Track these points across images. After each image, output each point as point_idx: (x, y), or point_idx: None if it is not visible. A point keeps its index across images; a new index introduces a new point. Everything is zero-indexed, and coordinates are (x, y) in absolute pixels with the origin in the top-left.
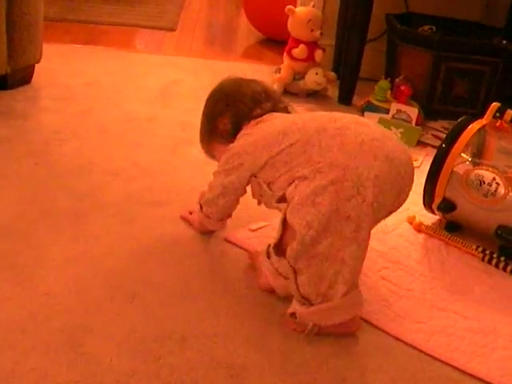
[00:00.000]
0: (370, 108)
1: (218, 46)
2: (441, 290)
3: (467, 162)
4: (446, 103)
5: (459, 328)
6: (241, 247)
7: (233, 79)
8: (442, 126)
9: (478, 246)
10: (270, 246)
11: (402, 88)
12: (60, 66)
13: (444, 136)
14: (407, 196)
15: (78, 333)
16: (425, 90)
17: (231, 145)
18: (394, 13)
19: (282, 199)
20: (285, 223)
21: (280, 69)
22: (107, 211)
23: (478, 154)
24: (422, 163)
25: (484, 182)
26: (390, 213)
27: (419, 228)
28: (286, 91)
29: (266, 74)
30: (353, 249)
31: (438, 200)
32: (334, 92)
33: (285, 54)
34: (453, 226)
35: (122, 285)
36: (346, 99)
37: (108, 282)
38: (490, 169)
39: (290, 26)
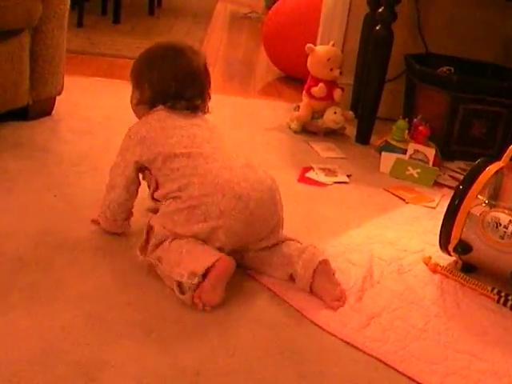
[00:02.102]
0: (387, 148)
1: (237, 82)
2: (456, 331)
3: (484, 204)
4: (463, 144)
5: (474, 370)
6: (259, 283)
7: (177, 49)
8: (458, 167)
9: (493, 288)
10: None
11: (420, 128)
12: (80, 98)
13: (461, 177)
14: (267, 226)
15: (94, 367)
16: (442, 130)
17: (130, 128)
18: (412, 53)
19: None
20: (150, 230)
21: (299, 107)
22: (126, 244)
23: (495, 196)
24: (439, 204)
25: (500, 224)
26: (252, 238)
27: (435, 269)
28: (304, 129)
29: (284, 111)
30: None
31: (454, 241)
32: (351, 131)
33: (304, 92)
34: (468, 267)
35: (139, 319)
36: (363, 139)
37: (124, 317)
38: (507, 211)
39: (309, 64)
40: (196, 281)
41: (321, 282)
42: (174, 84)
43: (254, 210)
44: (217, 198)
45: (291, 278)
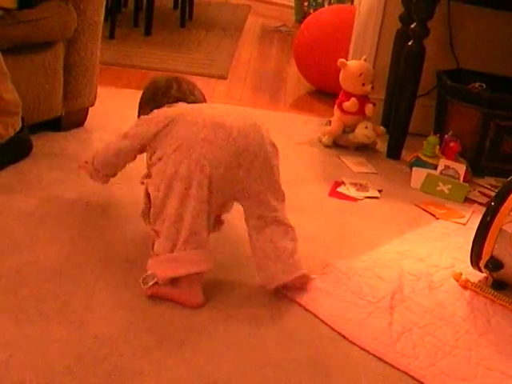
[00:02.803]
0: (418, 163)
1: (268, 95)
2: (486, 349)
3: None
4: (493, 160)
5: None
6: (290, 298)
7: (159, 79)
8: (489, 183)
9: None
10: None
11: (451, 144)
12: (113, 109)
13: (491, 193)
14: (254, 157)
15: (126, 377)
16: (473, 146)
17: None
18: (444, 69)
19: (149, 176)
20: (147, 195)
21: (330, 121)
22: None
23: None
24: (469, 220)
25: None
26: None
27: (465, 285)
28: (336, 144)
29: (315, 125)
30: (190, 205)
31: (485, 258)
32: (382, 146)
33: (335, 106)
34: (499, 284)
35: (171, 331)
36: (394, 154)
37: (157, 328)
38: None
39: (341, 79)
40: (152, 283)
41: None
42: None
43: (237, 138)
44: (197, 129)
45: (260, 268)
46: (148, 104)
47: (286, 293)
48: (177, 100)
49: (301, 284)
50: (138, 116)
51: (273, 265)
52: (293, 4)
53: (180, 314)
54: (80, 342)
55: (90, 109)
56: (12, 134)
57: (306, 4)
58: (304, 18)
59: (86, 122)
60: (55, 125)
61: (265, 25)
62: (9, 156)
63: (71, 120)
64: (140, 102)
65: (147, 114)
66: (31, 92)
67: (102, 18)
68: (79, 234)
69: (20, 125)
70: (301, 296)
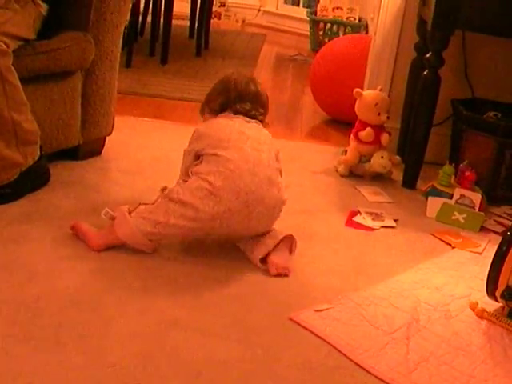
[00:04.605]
0: (433, 193)
1: (284, 124)
2: (503, 379)
3: None
4: (509, 189)
5: None
6: (305, 328)
7: (239, 77)
8: (504, 212)
9: None
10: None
11: (467, 174)
12: (130, 138)
13: (507, 222)
14: (255, 232)
15: None
16: (488, 175)
17: (197, 126)
18: (459, 98)
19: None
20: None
21: (346, 151)
22: (175, 286)
23: None
24: (485, 249)
25: None
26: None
27: (481, 314)
28: (352, 173)
29: (331, 154)
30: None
31: (501, 287)
32: (398, 175)
33: (351, 136)
34: None
35: (187, 361)
36: (410, 183)
37: (173, 358)
38: None
39: (357, 109)
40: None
41: (276, 254)
42: (233, 95)
43: (253, 220)
44: (231, 197)
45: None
46: (219, 97)
47: (301, 322)
48: (239, 113)
49: (290, 248)
50: (202, 110)
51: (261, 240)
52: (308, 33)
53: (196, 345)
54: (98, 370)
55: (107, 138)
56: (31, 163)
57: (321, 33)
58: (319, 46)
59: (103, 151)
60: (73, 153)
61: (280, 53)
62: (27, 185)
63: (89, 149)
64: (209, 94)
65: (214, 106)
66: (50, 121)
67: (120, 48)
68: (96, 264)
69: (38, 154)
70: (317, 325)
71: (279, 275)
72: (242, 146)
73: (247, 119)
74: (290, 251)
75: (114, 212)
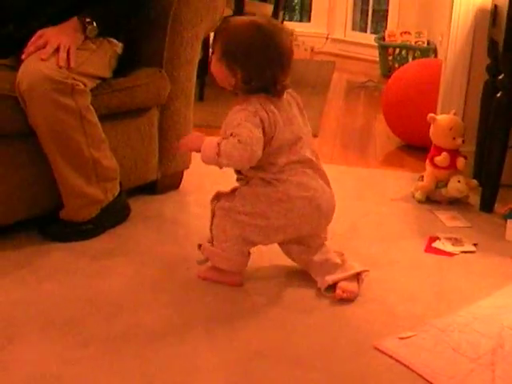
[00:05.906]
0: None
1: (359, 151)
2: None
3: None
4: None
5: None
6: (390, 356)
7: (269, 24)
8: None
9: None
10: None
11: None
12: (207, 171)
13: None
14: (320, 231)
15: None
16: None
17: (251, 107)
18: None
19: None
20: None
21: (422, 176)
22: (258, 317)
23: None
24: None
25: None
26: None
27: None
28: (429, 199)
29: (408, 181)
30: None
31: None
32: (475, 199)
33: (427, 161)
34: None
35: None
36: (487, 206)
37: None
38: None
39: (431, 133)
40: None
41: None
42: (269, 71)
43: (321, 221)
44: (303, 203)
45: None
46: (263, 67)
47: (386, 348)
48: (280, 93)
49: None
50: (226, 66)
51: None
52: (376, 59)
53: (283, 375)
54: None
55: (185, 171)
56: (111, 199)
57: (390, 58)
58: (390, 71)
59: (181, 185)
60: (151, 188)
61: (350, 80)
62: (108, 220)
63: (167, 183)
64: (232, 53)
65: (239, 81)
66: (128, 157)
67: (194, 83)
68: (180, 296)
69: (118, 190)
70: (401, 353)
71: (344, 299)
72: (301, 153)
73: (280, 99)
74: (358, 281)
75: (202, 253)
